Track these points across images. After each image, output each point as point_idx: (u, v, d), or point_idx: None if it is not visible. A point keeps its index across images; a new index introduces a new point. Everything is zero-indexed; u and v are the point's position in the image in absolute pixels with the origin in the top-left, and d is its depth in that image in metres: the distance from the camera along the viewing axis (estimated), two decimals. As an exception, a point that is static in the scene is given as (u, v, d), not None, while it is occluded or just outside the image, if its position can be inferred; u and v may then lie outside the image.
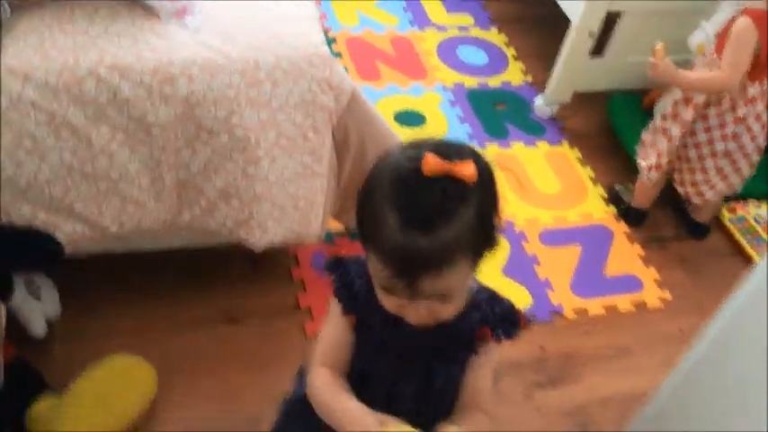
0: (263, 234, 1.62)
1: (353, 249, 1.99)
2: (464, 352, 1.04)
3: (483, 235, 0.88)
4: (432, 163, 0.82)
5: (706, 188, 2.08)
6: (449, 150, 0.85)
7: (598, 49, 2.50)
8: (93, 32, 1.43)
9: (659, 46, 1.93)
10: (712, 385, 1.09)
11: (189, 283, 1.88)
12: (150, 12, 1.49)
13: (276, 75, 1.49)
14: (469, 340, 1.03)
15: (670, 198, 2.35)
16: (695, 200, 2.14)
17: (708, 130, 1.98)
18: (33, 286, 1.68)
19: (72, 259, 1.68)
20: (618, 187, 2.36)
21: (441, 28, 2.83)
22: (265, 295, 1.91)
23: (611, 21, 2.42)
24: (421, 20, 2.85)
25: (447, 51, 2.74)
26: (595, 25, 2.36)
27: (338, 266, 1.04)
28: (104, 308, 1.78)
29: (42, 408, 1.52)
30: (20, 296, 1.61)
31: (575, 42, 2.41)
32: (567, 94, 2.56)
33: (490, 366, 1.08)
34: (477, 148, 0.90)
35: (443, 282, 0.87)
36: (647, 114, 2.47)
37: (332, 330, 1.06)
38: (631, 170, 2.36)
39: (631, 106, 2.54)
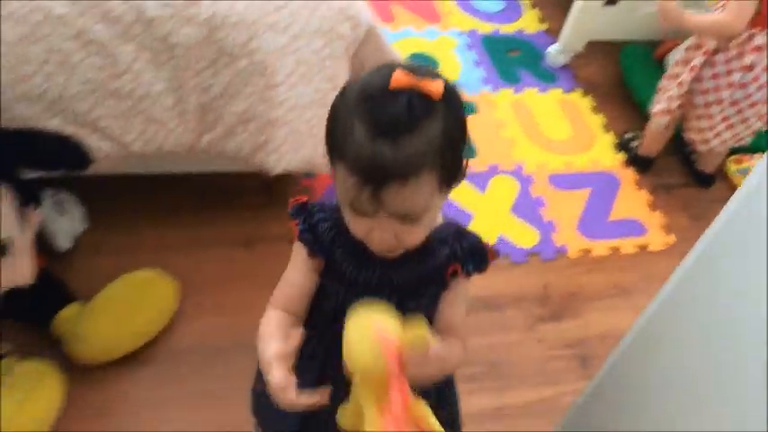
0: (279, 159, 1.68)
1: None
2: (434, 287, 1.05)
3: (450, 157, 0.89)
4: (400, 77, 0.85)
5: (710, 135, 2.11)
6: (419, 70, 0.87)
7: (613, -2, 2.52)
8: (121, -48, 1.47)
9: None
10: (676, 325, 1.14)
11: (207, 207, 1.95)
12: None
13: (296, 1, 1.53)
14: (440, 276, 1.04)
15: (678, 147, 2.40)
16: (700, 147, 2.18)
17: (715, 76, 2.00)
18: (60, 202, 1.75)
19: (97, 178, 1.76)
20: (628, 135, 2.40)
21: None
22: (279, 223, 1.97)
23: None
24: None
25: (463, -4, 2.77)
26: (611, -27, 2.38)
27: (302, 211, 1.03)
28: (126, 226, 1.86)
29: (66, 315, 1.59)
30: (47, 211, 1.69)
31: (589, -9, 2.44)
32: (581, 43, 2.58)
33: (462, 300, 1.08)
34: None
35: (407, 195, 0.87)
36: (659, 65, 2.49)
37: (292, 274, 1.05)
38: (642, 120, 2.40)
39: (643, 57, 2.56)
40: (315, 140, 1.71)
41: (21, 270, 1.39)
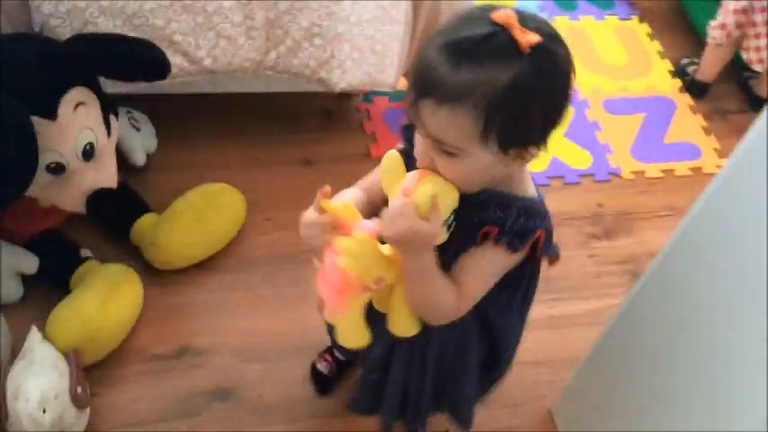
0: (343, 75, 1.74)
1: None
2: (466, 239, 1.00)
3: (509, 114, 0.85)
4: (502, 13, 0.84)
5: (767, 55, 2.10)
6: (528, 18, 0.86)
7: None
8: None
9: None
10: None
11: (268, 127, 2.04)
12: None
13: None
14: (473, 230, 0.98)
15: (736, 73, 2.38)
16: (756, 66, 2.16)
17: None
18: (134, 120, 1.85)
19: (163, 97, 1.85)
20: (684, 61, 2.39)
21: None
22: (339, 144, 2.05)
23: None
24: None
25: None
26: None
27: (409, 131, 1.03)
28: (192, 144, 1.96)
29: (143, 224, 1.70)
30: (123, 127, 1.78)
31: None
32: (639, -32, 2.56)
33: (484, 268, 1.01)
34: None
35: (440, 120, 0.86)
36: (719, -8, 2.46)
37: (377, 176, 1.04)
38: (700, 47, 2.38)
39: (703, -18, 2.53)
40: (376, 57, 1.77)
41: (107, 172, 1.49)
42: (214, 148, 1.96)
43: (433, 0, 1.78)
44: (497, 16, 0.84)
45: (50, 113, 1.32)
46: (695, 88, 2.33)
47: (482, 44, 0.84)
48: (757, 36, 2.09)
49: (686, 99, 2.34)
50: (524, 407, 1.67)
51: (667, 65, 2.43)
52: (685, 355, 1.22)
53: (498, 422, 1.64)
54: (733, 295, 1.10)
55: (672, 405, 1.25)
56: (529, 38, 0.83)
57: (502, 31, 0.84)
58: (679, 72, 2.39)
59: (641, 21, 2.54)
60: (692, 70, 2.35)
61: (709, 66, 2.27)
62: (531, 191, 1.03)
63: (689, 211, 1.24)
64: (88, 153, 1.43)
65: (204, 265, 1.75)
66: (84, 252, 1.66)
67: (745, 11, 2.07)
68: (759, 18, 2.05)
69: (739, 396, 1.10)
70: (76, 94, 1.37)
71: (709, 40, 2.21)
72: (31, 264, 1.59)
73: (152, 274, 1.69)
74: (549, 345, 1.77)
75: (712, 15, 2.26)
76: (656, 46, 2.47)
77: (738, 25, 2.11)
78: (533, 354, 1.73)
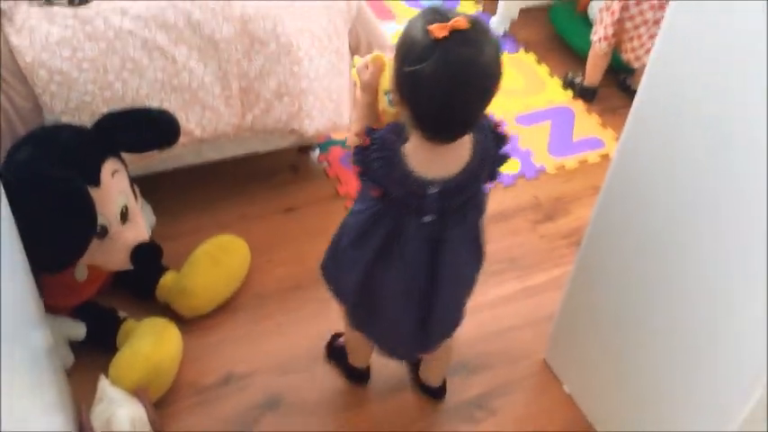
0: (311, 122, 2.06)
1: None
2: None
3: None
4: (436, 28, 1.12)
5: (642, 52, 2.58)
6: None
7: (534, -31, 3.01)
8: (163, -24, 1.86)
9: None
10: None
11: (250, 187, 2.32)
12: (200, -43, 1.93)
13: (304, -10, 1.95)
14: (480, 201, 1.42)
15: (615, 77, 2.87)
16: (636, 64, 2.64)
17: (638, 3, 2.47)
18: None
19: (158, 176, 2.11)
20: (570, 74, 2.86)
21: (398, -21, 3.31)
22: (311, 190, 2.35)
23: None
24: (380, -25, 3.33)
25: (407, -4, 3.23)
26: (528, -53, 2.87)
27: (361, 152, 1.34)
28: (189, 212, 2.22)
29: (167, 280, 1.92)
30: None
31: (514, -34, 2.92)
32: (515, 11, 3.06)
33: None
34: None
35: None
36: (582, 17, 2.98)
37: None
38: (578, 62, 2.87)
39: (568, 13, 3.04)
40: (334, 104, 2.11)
41: (140, 229, 1.73)
42: (206, 214, 2.22)
43: (366, 45, 2.16)
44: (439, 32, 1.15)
45: (96, 181, 1.57)
46: (586, 94, 2.79)
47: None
48: (630, 40, 2.57)
49: (580, 104, 2.80)
50: (522, 362, 1.97)
51: (557, 81, 2.89)
52: (626, 280, 1.59)
53: (503, 378, 1.92)
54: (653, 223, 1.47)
55: (639, 322, 1.59)
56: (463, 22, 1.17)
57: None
58: (568, 84, 2.85)
59: (527, 51, 3.01)
60: (579, 80, 2.82)
61: (594, 73, 2.74)
62: None
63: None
64: (124, 215, 1.67)
65: (225, 308, 1.98)
66: (122, 314, 1.86)
67: (620, 21, 2.54)
68: (629, 25, 2.53)
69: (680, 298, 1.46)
70: (111, 163, 1.63)
71: (597, 52, 2.67)
72: (79, 331, 1.78)
73: (183, 323, 1.90)
74: (527, 311, 2.09)
75: (584, 37, 2.76)
76: (544, 68, 2.94)
77: (615, 35, 2.58)
78: (517, 320, 2.06)
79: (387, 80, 1.30)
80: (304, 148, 2.42)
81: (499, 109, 2.71)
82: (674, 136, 1.39)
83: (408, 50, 1.17)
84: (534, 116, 2.73)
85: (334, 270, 1.58)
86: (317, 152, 2.46)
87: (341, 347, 1.86)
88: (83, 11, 1.74)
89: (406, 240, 1.38)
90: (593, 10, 2.91)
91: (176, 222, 2.17)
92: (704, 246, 1.37)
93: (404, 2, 3.20)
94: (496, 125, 1.38)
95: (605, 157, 2.60)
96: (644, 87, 1.46)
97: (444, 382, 1.87)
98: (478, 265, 1.54)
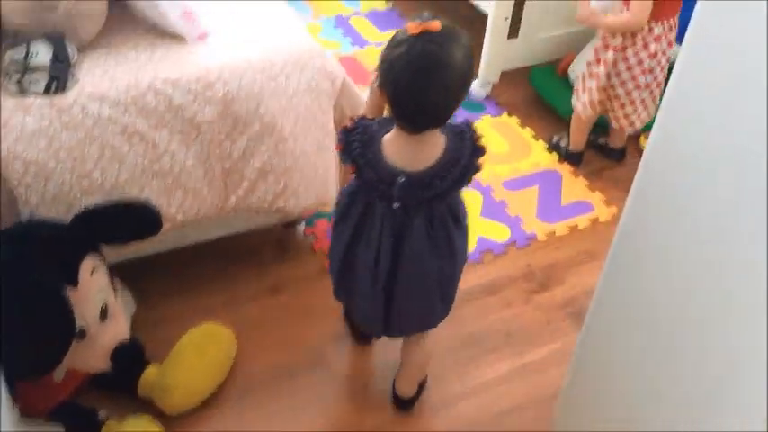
0: (297, 201, 2.00)
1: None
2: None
3: None
4: (411, 26, 1.35)
5: (635, 118, 2.53)
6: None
7: (514, 32, 3.00)
8: (142, 59, 1.81)
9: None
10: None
11: (235, 267, 2.24)
12: (180, 38, 1.88)
13: (287, 69, 1.90)
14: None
15: (591, 143, 2.84)
16: (629, 130, 2.59)
17: (629, 68, 2.42)
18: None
19: (138, 260, 2.02)
20: (555, 138, 2.84)
21: (377, 44, 3.30)
22: (298, 267, 2.27)
23: (519, 8, 2.93)
24: (359, 41, 3.31)
25: (388, 61, 3.21)
26: (508, 11, 2.87)
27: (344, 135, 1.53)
28: (171, 298, 2.12)
29: (149, 375, 1.83)
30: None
31: (493, 30, 2.91)
32: (496, 74, 3.05)
33: None
34: None
35: None
36: (563, 78, 2.98)
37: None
38: (561, 124, 2.85)
39: (549, 74, 3.04)
40: (319, 180, 2.05)
41: (121, 327, 1.64)
42: (189, 298, 2.13)
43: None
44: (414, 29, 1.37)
45: (74, 281, 1.49)
46: (573, 158, 2.76)
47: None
48: (622, 106, 2.52)
49: (566, 167, 2.77)
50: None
51: (542, 144, 2.87)
52: (634, 356, 1.53)
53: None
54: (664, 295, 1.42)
55: (650, 399, 1.52)
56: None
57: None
58: (553, 147, 2.82)
59: (510, 115, 3.00)
60: (564, 143, 2.79)
61: (580, 138, 2.71)
62: None
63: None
64: (104, 312, 1.58)
65: (212, 400, 1.88)
66: (102, 413, 1.75)
67: (605, 89, 2.51)
68: (621, 91, 2.48)
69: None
70: (90, 260, 1.55)
71: (582, 118, 2.62)
72: (56, 435, 1.67)
73: (168, 419, 1.80)
74: (527, 389, 2.01)
75: (566, 99, 2.74)
76: (528, 132, 2.92)
77: (600, 102, 2.54)
78: (518, 399, 1.98)
79: None
80: (289, 223, 2.35)
81: (486, 174, 2.68)
82: (682, 203, 1.34)
83: (389, 43, 1.41)
84: (521, 181, 2.69)
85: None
86: (302, 226, 2.39)
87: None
88: (59, 99, 1.68)
89: (373, 223, 1.55)
90: (574, 72, 2.91)
91: (158, 308, 2.08)
92: (713, 317, 1.32)
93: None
94: (477, 137, 1.53)
95: (595, 222, 2.56)
96: (650, 153, 1.40)
97: (414, 396, 1.93)
98: (451, 264, 1.65)
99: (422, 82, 1.36)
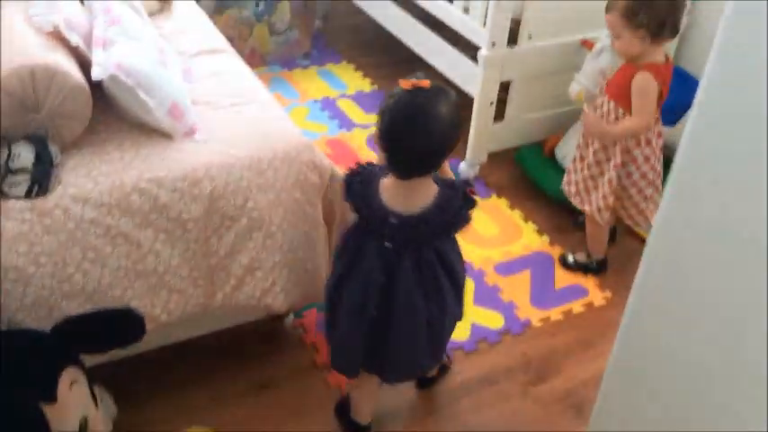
0: (286, 297, 1.94)
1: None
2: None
3: None
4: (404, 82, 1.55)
5: (649, 212, 2.46)
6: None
7: (499, 115, 3.01)
8: (127, 158, 1.77)
9: (577, 92, 2.37)
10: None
11: (221, 363, 2.15)
12: (166, 134, 1.85)
13: (275, 164, 1.87)
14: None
15: (569, 218, 2.80)
16: (645, 225, 2.50)
17: (639, 168, 2.39)
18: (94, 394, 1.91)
19: (119, 361, 1.94)
20: (570, 257, 2.67)
21: (364, 126, 3.30)
22: (286, 362, 2.19)
23: (504, 90, 2.95)
24: (347, 123, 3.31)
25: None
26: (493, 96, 2.88)
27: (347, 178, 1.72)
28: (155, 398, 2.02)
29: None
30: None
31: (479, 114, 2.92)
32: (483, 155, 3.05)
33: None
34: None
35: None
36: (550, 159, 2.98)
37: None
38: (550, 204, 2.84)
39: (536, 154, 3.04)
40: (308, 275, 2.00)
41: (101, 441, 1.55)
42: (173, 399, 2.04)
43: (340, 212, 2.07)
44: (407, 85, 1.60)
45: (52, 397, 1.41)
46: (602, 267, 2.64)
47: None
48: (636, 204, 2.47)
49: (558, 250, 2.73)
50: None
51: (532, 226, 2.84)
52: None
53: None
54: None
55: None
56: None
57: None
58: (578, 266, 2.65)
59: (499, 197, 2.98)
60: (581, 257, 2.65)
61: (600, 246, 2.62)
62: None
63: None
64: (83, 427, 1.50)
65: None
66: None
67: (616, 192, 2.45)
68: (634, 191, 2.44)
69: None
70: (70, 373, 1.47)
71: (599, 224, 2.52)
72: None
73: None
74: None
75: (553, 179, 2.72)
76: (518, 213, 2.90)
77: (616, 200, 2.48)
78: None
79: None
80: (277, 315, 2.28)
81: (477, 258, 2.64)
82: (689, 290, 1.31)
83: (385, 96, 1.60)
84: (513, 265, 2.65)
85: None
86: (291, 318, 2.32)
87: (345, 403, 1.98)
88: (41, 202, 1.63)
89: (366, 258, 1.68)
90: (561, 152, 2.91)
91: (141, 411, 1.98)
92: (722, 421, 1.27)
93: (372, 150, 3.17)
94: (470, 190, 1.68)
95: (590, 306, 2.51)
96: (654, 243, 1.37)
97: (434, 376, 2.12)
98: (439, 310, 1.74)
99: (407, 129, 1.56)
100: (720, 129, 1.21)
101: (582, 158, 2.49)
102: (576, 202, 2.56)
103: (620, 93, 2.31)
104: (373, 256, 1.66)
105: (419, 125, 1.54)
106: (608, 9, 2.25)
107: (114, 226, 1.70)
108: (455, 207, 1.65)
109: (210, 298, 1.89)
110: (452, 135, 1.60)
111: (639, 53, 2.25)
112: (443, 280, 1.72)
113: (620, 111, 2.32)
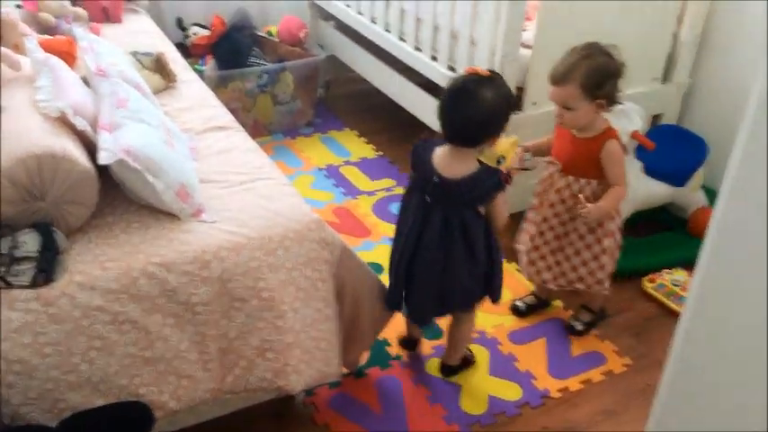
0: (298, 378, 1.88)
1: (361, 387, 2.27)
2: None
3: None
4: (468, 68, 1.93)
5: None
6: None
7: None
8: (135, 240, 1.73)
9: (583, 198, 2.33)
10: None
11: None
12: (173, 216, 1.82)
13: (286, 242, 1.83)
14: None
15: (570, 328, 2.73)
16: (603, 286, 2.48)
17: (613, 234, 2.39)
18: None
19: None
20: (577, 325, 2.61)
21: (370, 193, 3.28)
22: (298, 443, 2.12)
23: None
24: (352, 190, 3.29)
25: (381, 209, 3.18)
26: (500, 160, 2.87)
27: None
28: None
29: None
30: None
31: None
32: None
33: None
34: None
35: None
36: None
37: None
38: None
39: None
40: (322, 353, 1.94)
41: None
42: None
43: (352, 288, 2.03)
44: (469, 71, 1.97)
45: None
46: (606, 313, 2.64)
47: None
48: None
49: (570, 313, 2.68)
50: None
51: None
52: None
53: None
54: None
55: None
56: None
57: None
58: (583, 332, 2.59)
59: (509, 261, 2.93)
60: (587, 317, 2.61)
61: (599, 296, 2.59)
62: None
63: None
64: None
65: None
66: None
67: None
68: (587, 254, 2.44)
69: None
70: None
71: (604, 291, 2.48)
72: None
73: None
74: None
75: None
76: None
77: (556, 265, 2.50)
78: None
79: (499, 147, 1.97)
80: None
81: (491, 326, 2.58)
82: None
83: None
84: (527, 333, 2.59)
85: None
86: (301, 396, 2.25)
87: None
88: (46, 291, 1.59)
89: (412, 208, 2.04)
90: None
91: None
92: None
93: (378, 217, 3.14)
94: (505, 176, 1.95)
95: (609, 374, 2.44)
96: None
97: (457, 366, 2.37)
98: (452, 276, 2.08)
99: (451, 103, 1.88)
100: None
101: (543, 237, 2.48)
102: (560, 283, 2.52)
103: (589, 166, 2.28)
104: (415, 206, 2.02)
105: (460, 102, 1.86)
106: (559, 81, 2.14)
107: (122, 312, 1.65)
108: (486, 185, 1.94)
109: (220, 382, 1.83)
110: (492, 118, 1.88)
111: (589, 123, 2.23)
112: (459, 247, 2.01)
113: (594, 183, 2.30)
